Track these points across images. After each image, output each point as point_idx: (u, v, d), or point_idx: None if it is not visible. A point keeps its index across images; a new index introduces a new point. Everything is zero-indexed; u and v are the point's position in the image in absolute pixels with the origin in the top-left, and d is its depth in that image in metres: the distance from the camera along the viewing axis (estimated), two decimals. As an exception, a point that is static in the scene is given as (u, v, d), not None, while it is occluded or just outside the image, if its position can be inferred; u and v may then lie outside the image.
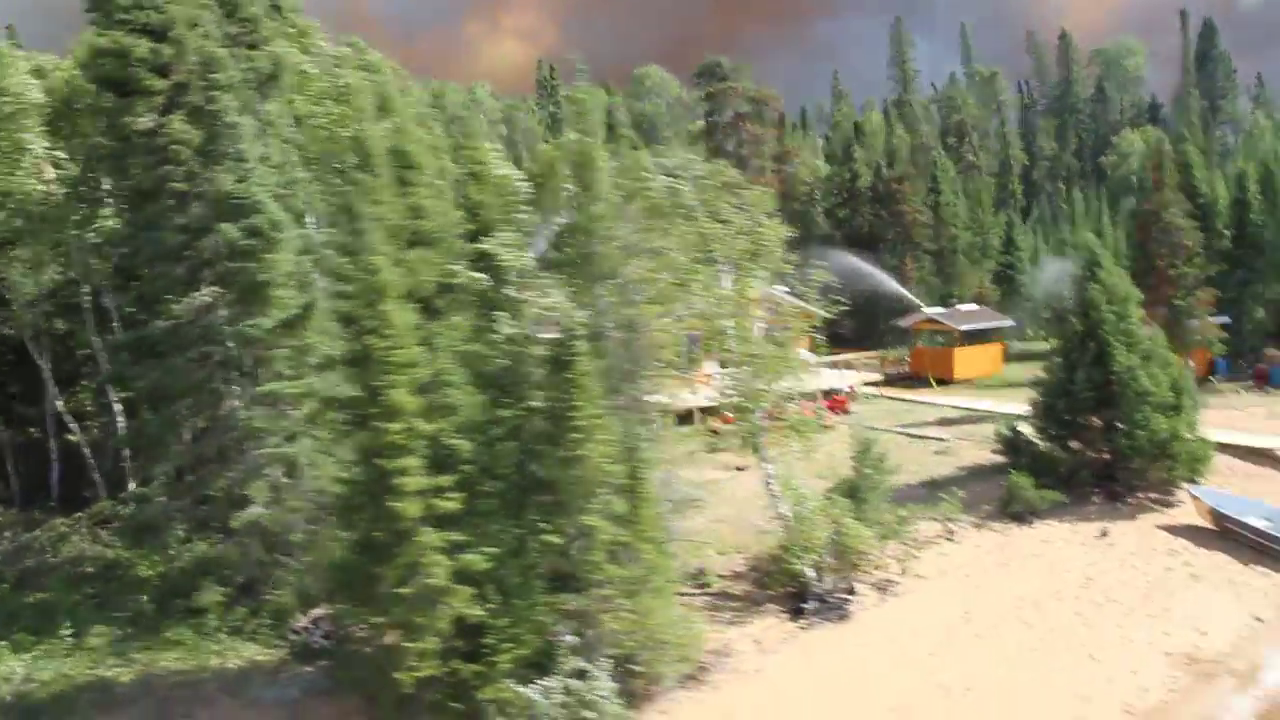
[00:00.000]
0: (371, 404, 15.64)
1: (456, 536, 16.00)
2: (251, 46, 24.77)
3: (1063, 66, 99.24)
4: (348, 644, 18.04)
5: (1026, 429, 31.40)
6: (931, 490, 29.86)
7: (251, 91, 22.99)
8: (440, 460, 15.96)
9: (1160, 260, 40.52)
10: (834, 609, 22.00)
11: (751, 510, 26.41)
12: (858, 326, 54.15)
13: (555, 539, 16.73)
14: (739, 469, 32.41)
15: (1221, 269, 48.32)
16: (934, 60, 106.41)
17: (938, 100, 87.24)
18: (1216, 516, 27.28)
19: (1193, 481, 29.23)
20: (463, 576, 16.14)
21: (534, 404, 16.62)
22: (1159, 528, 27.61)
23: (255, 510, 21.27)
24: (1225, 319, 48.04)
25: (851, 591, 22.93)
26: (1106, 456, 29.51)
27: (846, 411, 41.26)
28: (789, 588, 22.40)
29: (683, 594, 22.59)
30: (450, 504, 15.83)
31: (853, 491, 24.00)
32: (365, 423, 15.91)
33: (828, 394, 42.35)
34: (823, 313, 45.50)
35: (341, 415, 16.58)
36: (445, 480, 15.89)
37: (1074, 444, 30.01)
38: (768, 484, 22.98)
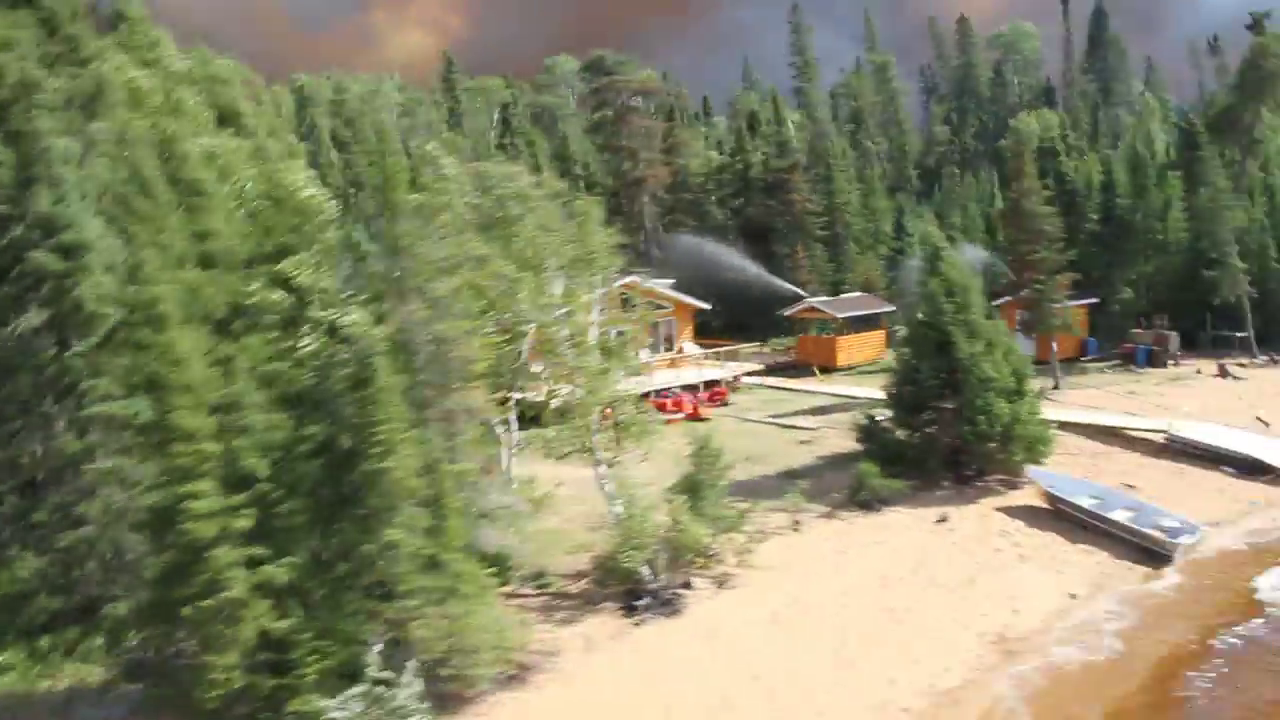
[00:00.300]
0: (163, 428, 15.96)
1: (256, 551, 16.39)
2: (81, 64, 24.65)
3: (963, 52, 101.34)
4: (167, 661, 18.34)
5: (884, 416, 32.56)
6: (788, 480, 30.88)
7: (75, 111, 22.94)
8: (236, 479, 16.33)
9: (1023, 246, 41.97)
10: (666, 605, 22.76)
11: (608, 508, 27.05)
12: (749, 316, 55.14)
13: (366, 551, 17.18)
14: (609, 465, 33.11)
15: (1090, 251, 50.30)
16: (839, 48, 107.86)
17: (842, 89, 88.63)
18: (1050, 498, 28.62)
19: (1035, 464, 30.59)
20: (264, 590, 16.54)
21: (337, 421, 17.04)
22: (999, 510, 28.88)
23: (88, 530, 21.37)
24: (1093, 299, 50.07)
25: (688, 586, 23.73)
26: (954, 442, 30.71)
27: (725, 403, 42.17)
28: (625, 585, 23.09)
29: (517, 596, 23.27)
30: (245, 521, 16.21)
31: (692, 487, 24.75)
32: (160, 446, 16.22)
33: (708, 385, 43.25)
34: (703, 305, 46.58)
35: (141, 439, 16.87)
36: (239, 499, 16.26)
37: (923, 431, 31.20)
38: (601, 484, 23.65)
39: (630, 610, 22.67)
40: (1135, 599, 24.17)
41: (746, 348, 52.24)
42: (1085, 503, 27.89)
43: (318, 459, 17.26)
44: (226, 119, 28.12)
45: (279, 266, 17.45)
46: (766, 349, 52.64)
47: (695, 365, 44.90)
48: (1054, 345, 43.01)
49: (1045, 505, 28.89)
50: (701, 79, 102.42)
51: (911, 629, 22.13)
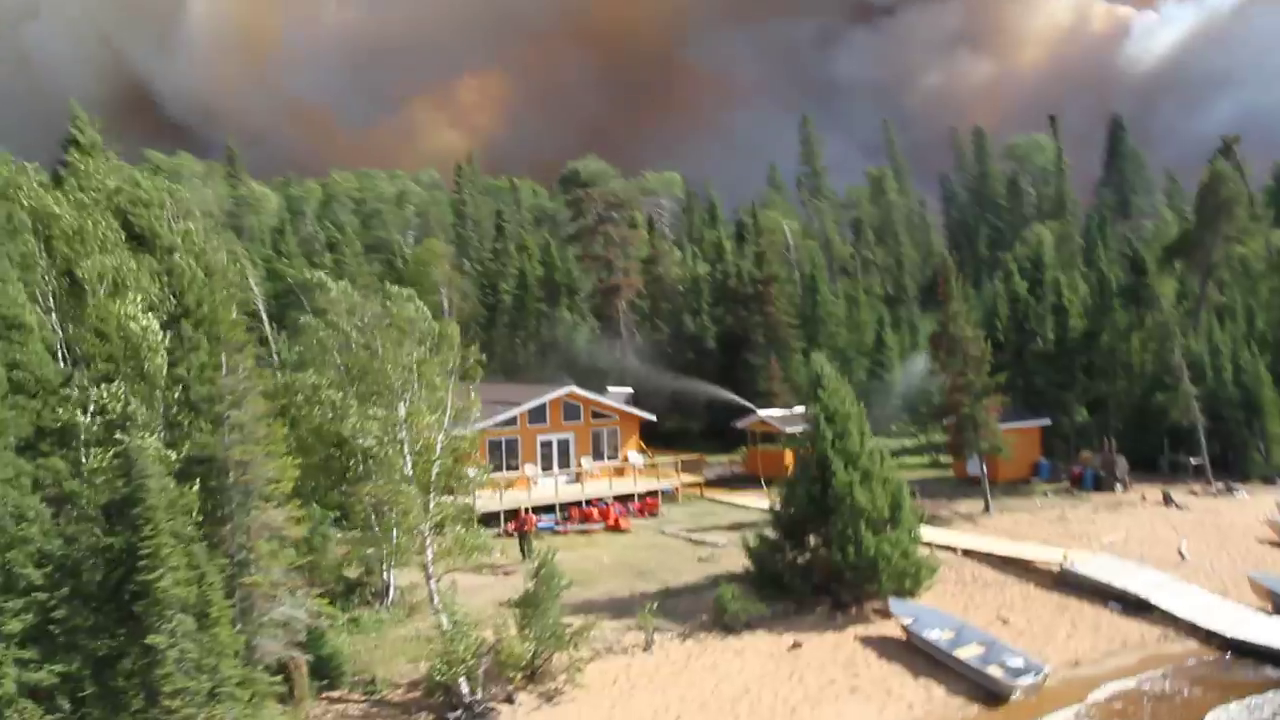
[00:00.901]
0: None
1: (25, 654, 18.04)
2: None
3: (979, 162, 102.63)
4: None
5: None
6: (667, 598, 31.77)
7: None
8: (10, 585, 18.09)
9: (951, 370, 42.76)
10: (479, 718, 23.79)
11: (484, 615, 28.14)
12: (715, 428, 56.24)
13: (135, 653, 18.75)
14: (506, 573, 34.42)
15: (1046, 372, 50.82)
16: (853, 157, 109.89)
17: (847, 202, 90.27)
18: (906, 630, 29.08)
19: (909, 594, 31.06)
20: (34, 690, 18.15)
21: (115, 534, 18.79)
22: (859, 639, 29.38)
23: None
24: (1045, 421, 50.33)
25: (509, 701, 24.74)
26: (826, 569, 31.35)
27: (654, 514, 43.13)
28: (443, 698, 24.20)
29: (342, 700, 24.50)
30: (15, 624, 17.91)
31: (530, 603, 25.89)
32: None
33: (643, 496, 44.28)
34: (647, 416, 47.80)
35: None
36: (16, 603, 18.00)
37: (800, 555, 31.93)
38: (431, 598, 24.95)
39: (440, 722, 23.76)
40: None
41: (714, 458, 53.34)
42: (934, 636, 28.29)
43: (98, 569, 18.98)
44: (144, 240, 30.74)
45: (92, 393, 19.44)
46: (733, 459, 53.72)
47: (636, 475, 46.04)
48: (983, 467, 43.37)
49: (903, 637, 29.32)
50: (732, 180, 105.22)
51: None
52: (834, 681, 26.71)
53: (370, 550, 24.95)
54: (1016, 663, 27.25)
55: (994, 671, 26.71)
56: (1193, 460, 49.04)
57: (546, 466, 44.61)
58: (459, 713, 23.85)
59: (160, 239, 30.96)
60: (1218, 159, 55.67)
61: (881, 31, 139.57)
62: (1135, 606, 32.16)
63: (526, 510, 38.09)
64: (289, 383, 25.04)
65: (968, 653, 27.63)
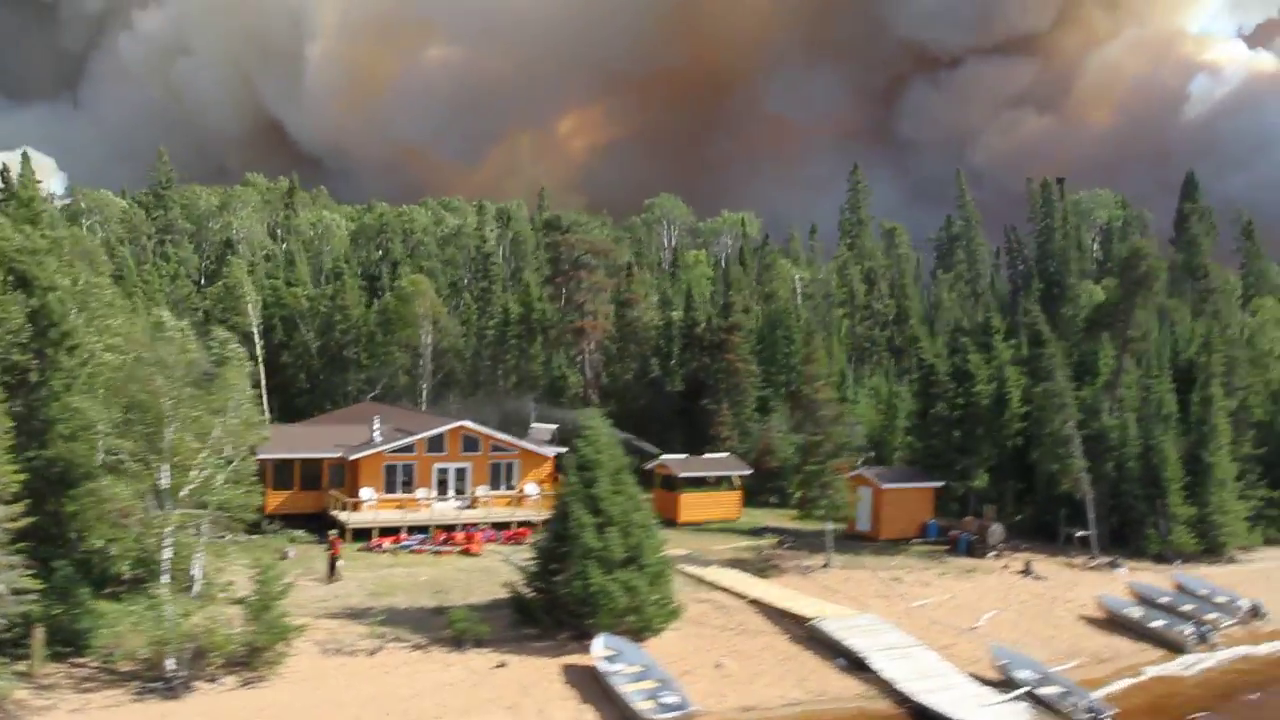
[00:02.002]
0: None
1: None
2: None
3: (1046, 215, 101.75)
4: None
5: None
6: (436, 615, 36.69)
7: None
8: None
9: (804, 430, 45.73)
10: (169, 690, 29.50)
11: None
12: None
13: None
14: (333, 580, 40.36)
15: (949, 435, 52.79)
16: (927, 208, 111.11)
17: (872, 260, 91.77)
18: (594, 662, 32.97)
19: (637, 632, 34.85)
20: None
21: None
22: (563, 667, 33.40)
23: None
24: (937, 484, 52.26)
25: (212, 680, 30.36)
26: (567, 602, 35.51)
27: (520, 543, 47.67)
28: (156, 671, 30.07)
29: (81, 667, 30.66)
30: None
31: (261, 603, 31.43)
32: None
33: (519, 525, 49.06)
34: (543, 452, 52.66)
35: None
36: None
37: (550, 585, 36.20)
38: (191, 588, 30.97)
39: (141, 691, 29.58)
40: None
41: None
42: (612, 669, 32.08)
43: None
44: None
45: None
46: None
47: (525, 505, 50.89)
48: (829, 525, 46.01)
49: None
50: (808, 220, 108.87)
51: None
52: (501, 698, 30.99)
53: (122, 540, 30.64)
54: (671, 700, 30.77)
55: (641, 704, 30.35)
56: (1079, 533, 49.88)
57: (442, 492, 50.12)
58: (159, 684, 29.62)
59: (39, 280, 38.10)
60: (1140, 237, 55.76)
61: (946, 85, 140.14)
62: (856, 665, 34.84)
63: (339, 535, 43.16)
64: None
65: (633, 687, 31.32)
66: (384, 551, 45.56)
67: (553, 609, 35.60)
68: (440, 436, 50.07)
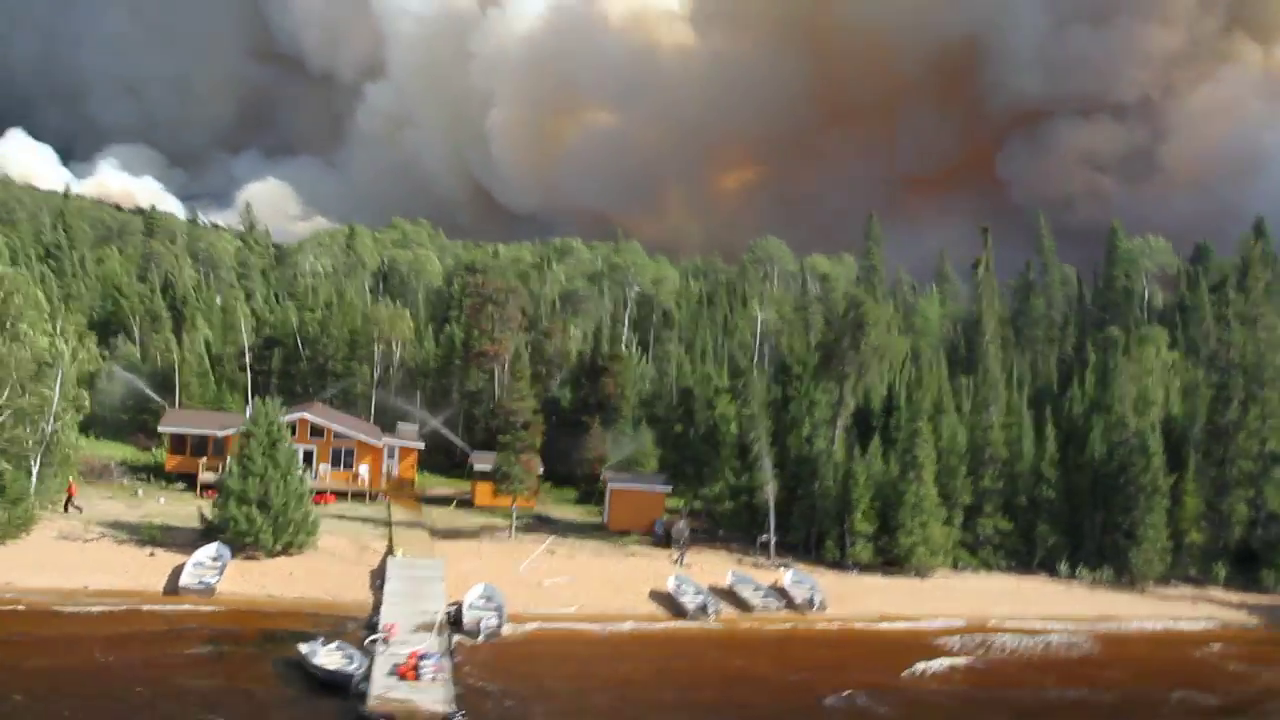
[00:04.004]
0: None
1: None
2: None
3: (1109, 263, 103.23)
4: None
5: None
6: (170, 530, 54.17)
7: None
8: None
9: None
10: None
11: None
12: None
13: None
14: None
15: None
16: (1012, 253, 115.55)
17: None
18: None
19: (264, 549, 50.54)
20: None
21: None
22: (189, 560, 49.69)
23: None
24: (667, 488, 63.43)
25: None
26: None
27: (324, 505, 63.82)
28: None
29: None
30: None
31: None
32: None
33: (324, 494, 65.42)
34: (376, 443, 69.37)
35: None
36: None
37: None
38: None
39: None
40: None
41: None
42: (196, 558, 48.05)
43: None
44: None
45: None
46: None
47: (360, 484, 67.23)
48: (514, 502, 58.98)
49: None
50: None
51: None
52: (143, 565, 47.82)
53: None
54: (209, 580, 46.41)
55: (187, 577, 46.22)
56: (762, 537, 59.28)
57: (290, 467, 67.60)
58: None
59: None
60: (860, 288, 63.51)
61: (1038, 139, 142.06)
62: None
63: (73, 482, 59.73)
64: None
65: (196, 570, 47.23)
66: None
67: (210, 530, 52.13)
68: (292, 424, 67.62)
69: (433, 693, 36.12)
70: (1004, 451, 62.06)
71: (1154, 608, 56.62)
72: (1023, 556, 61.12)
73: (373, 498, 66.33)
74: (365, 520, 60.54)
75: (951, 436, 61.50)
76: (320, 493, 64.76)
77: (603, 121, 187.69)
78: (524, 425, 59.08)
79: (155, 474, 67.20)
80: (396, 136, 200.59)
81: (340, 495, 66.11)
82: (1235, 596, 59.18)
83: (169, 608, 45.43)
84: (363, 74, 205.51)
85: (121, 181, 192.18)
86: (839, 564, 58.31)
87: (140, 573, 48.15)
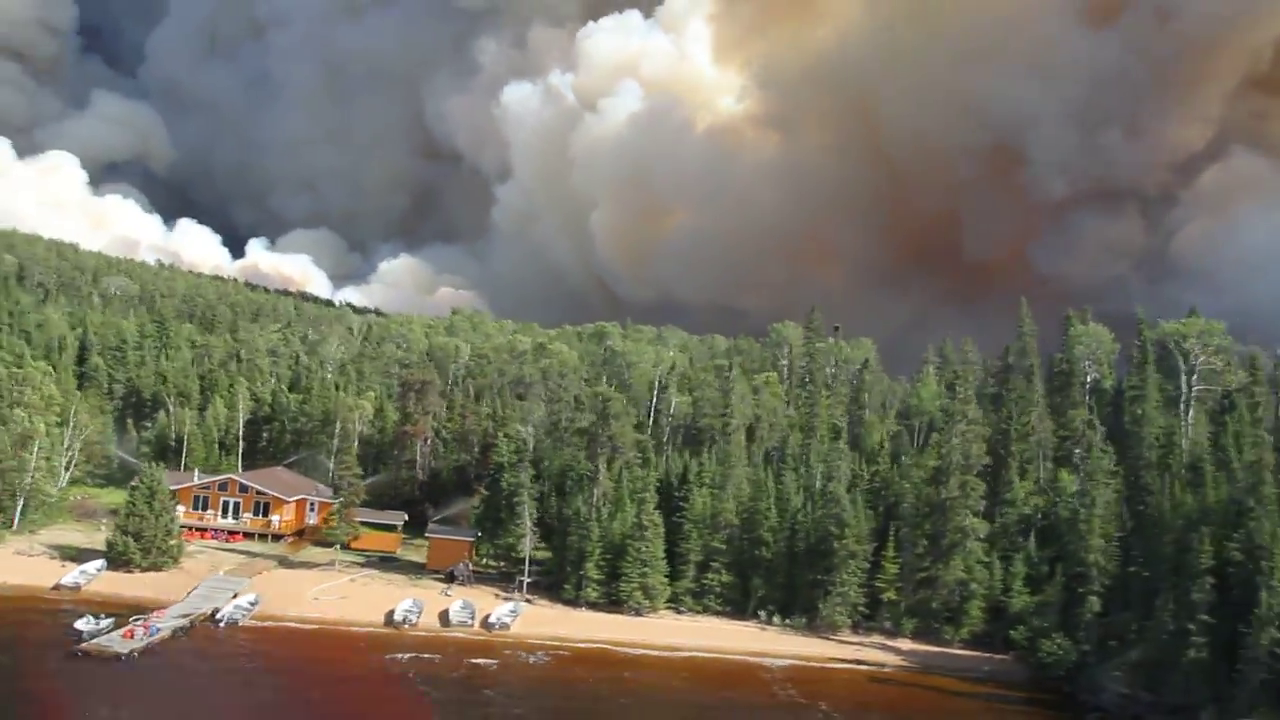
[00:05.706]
0: None
1: None
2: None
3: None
4: None
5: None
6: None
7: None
8: None
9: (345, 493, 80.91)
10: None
11: None
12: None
13: None
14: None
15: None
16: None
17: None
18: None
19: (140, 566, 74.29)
20: None
21: None
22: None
23: None
24: (471, 537, 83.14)
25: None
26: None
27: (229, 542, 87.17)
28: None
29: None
30: None
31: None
32: None
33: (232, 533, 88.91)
34: (287, 498, 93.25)
35: None
36: None
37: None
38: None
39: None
40: None
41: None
42: (74, 573, 71.84)
43: None
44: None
45: None
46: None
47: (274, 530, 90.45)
48: (337, 546, 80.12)
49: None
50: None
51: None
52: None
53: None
54: (81, 580, 70.07)
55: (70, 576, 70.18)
56: (519, 578, 77.82)
57: (224, 514, 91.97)
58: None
59: None
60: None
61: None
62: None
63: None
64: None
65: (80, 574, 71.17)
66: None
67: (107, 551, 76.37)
68: (225, 482, 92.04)
69: (127, 645, 57.81)
70: (735, 519, 78.25)
71: (817, 648, 71.27)
72: (740, 605, 76.87)
73: (276, 539, 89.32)
74: (244, 552, 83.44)
75: (697, 505, 78.51)
76: (234, 532, 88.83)
77: (691, 222, 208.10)
78: (350, 488, 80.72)
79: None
80: (526, 231, 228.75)
81: (260, 536, 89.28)
82: (916, 645, 72.77)
83: (50, 596, 69.47)
84: (499, 173, 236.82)
85: (285, 263, 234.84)
86: (573, 601, 75.96)
87: (44, 576, 72.49)
